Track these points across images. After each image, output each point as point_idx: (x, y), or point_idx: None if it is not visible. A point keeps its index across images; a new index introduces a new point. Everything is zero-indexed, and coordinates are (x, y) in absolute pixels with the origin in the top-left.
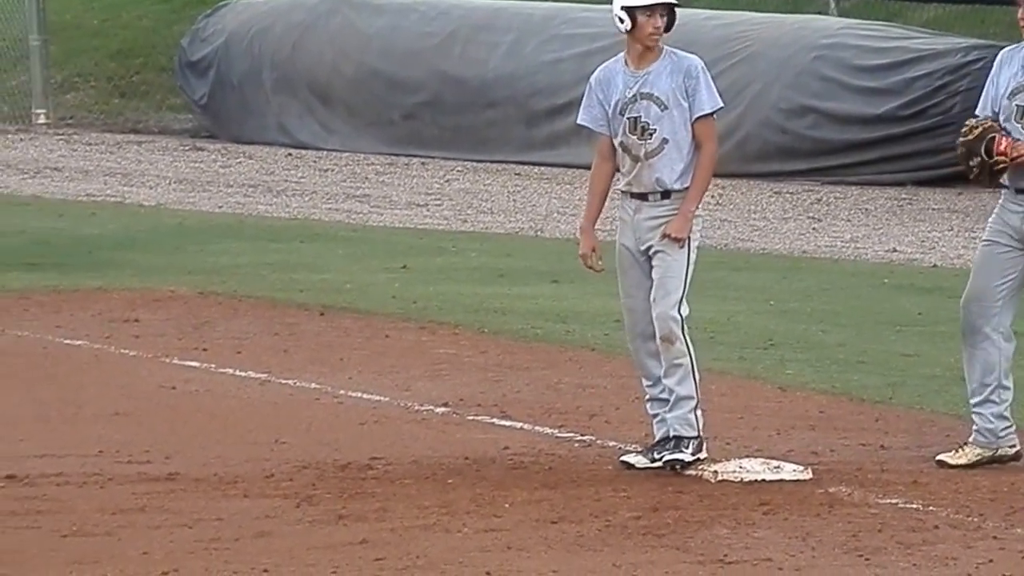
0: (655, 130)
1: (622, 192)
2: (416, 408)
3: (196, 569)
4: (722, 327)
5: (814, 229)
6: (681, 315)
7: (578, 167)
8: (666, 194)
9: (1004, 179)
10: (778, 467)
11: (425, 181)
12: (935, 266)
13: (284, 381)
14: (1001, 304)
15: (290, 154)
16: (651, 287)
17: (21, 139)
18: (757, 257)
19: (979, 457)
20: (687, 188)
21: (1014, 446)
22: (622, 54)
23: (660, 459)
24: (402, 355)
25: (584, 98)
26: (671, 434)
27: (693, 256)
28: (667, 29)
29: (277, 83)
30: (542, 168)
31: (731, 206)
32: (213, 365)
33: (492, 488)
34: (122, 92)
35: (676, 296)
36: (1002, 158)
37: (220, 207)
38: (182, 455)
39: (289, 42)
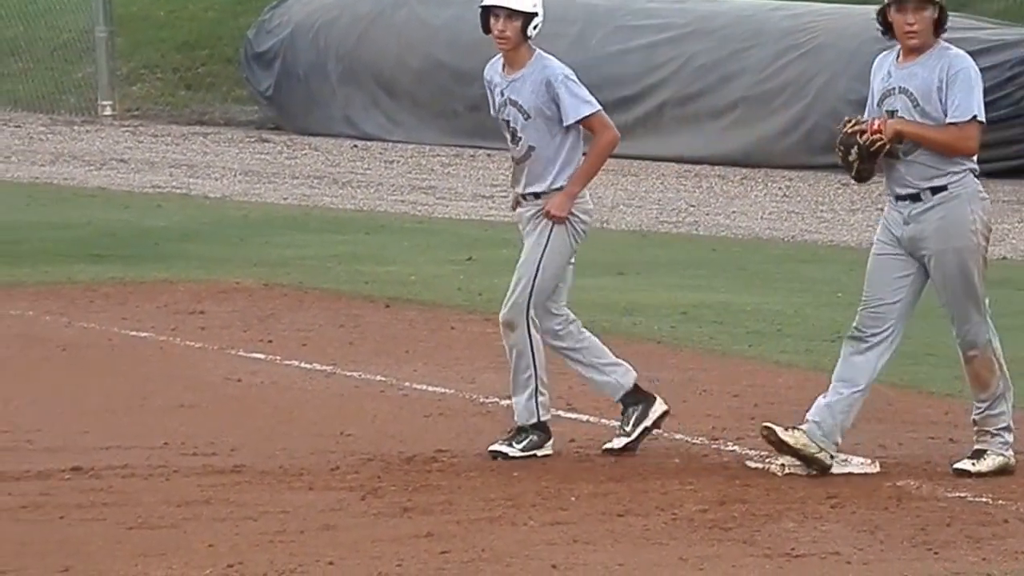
0: (521, 137)
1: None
2: (481, 400)
3: (261, 562)
4: (789, 319)
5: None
6: (529, 305)
7: (643, 158)
8: (536, 196)
9: (885, 173)
10: (846, 460)
11: (490, 173)
12: (1004, 258)
13: (349, 373)
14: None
15: (355, 146)
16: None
17: (87, 131)
18: (824, 249)
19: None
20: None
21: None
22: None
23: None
24: (467, 347)
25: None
26: (516, 423)
27: (563, 246)
28: (524, 31)
29: (343, 75)
30: (608, 159)
31: (798, 198)
32: (278, 357)
33: (558, 481)
34: (188, 84)
35: (524, 285)
36: (877, 136)
37: (286, 199)
38: (247, 447)
39: (355, 34)
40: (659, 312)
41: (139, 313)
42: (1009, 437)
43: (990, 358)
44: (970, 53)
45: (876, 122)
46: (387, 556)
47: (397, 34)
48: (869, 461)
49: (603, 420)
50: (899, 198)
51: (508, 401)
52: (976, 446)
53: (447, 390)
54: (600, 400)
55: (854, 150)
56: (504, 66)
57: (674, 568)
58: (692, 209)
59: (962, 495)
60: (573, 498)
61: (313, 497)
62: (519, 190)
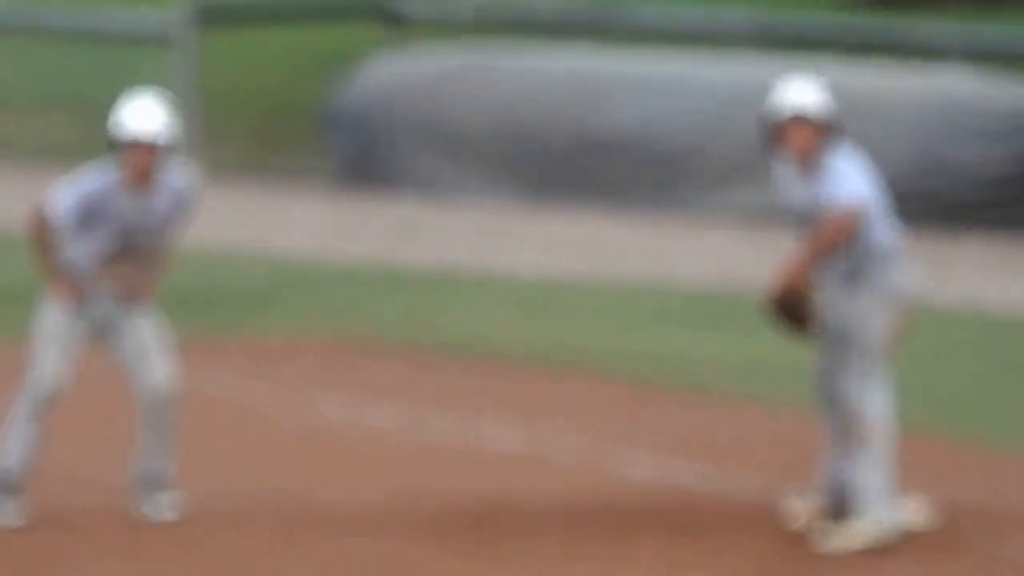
0: None
1: None
2: (549, 451)
3: None
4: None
5: (939, 279)
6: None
7: (707, 215)
8: None
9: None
10: (900, 509)
11: (558, 229)
12: None
13: (422, 425)
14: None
15: (427, 203)
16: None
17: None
18: None
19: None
20: None
21: None
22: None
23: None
24: (534, 398)
25: None
26: None
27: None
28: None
29: (416, 135)
30: (672, 217)
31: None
32: (354, 409)
33: (622, 528)
34: (267, 145)
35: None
36: (791, 292)
37: (361, 254)
38: (324, 496)
39: (427, 96)
40: (720, 364)
41: (217, 367)
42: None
43: (868, 419)
44: None
45: (776, 282)
46: None
47: (469, 96)
48: (924, 510)
49: (668, 470)
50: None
51: (575, 452)
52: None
53: (515, 440)
54: (664, 450)
55: (783, 321)
56: (128, 189)
57: None
58: (753, 263)
59: (1019, 543)
60: (636, 545)
61: (387, 545)
62: None
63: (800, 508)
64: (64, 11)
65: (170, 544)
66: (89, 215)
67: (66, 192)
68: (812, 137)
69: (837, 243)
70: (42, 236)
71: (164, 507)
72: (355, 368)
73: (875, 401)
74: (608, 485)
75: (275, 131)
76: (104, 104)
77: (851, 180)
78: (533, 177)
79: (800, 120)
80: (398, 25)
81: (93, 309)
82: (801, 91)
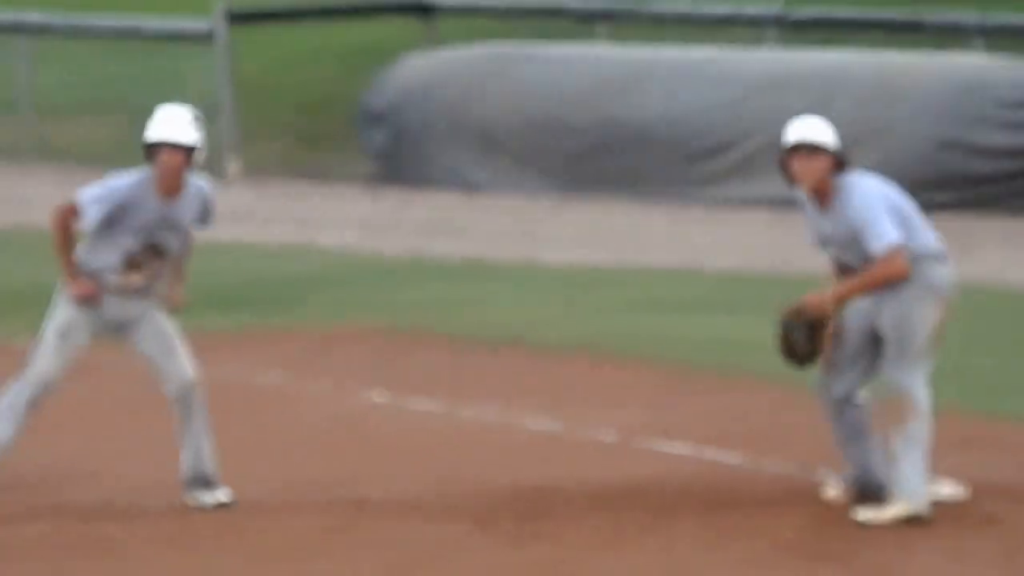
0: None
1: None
2: (586, 435)
3: None
4: None
5: (965, 258)
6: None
7: (734, 204)
8: None
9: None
10: (935, 487)
11: (590, 220)
12: None
13: (463, 412)
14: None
15: (463, 197)
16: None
17: (215, 188)
18: None
19: None
20: None
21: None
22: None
23: None
24: (572, 385)
25: None
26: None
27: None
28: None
29: (450, 131)
30: (700, 206)
31: None
32: (396, 398)
33: (661, 510)
34: (306, 143)
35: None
36: (818, 310)
37: (399, 249)
38: (367, 484)
39: (461, 92)
40: (753, 348)
41: (265, 359)
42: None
43: (911, 404)
44: None
45: (814, 297)
46: None
47: (500, 92)
48: (957, 487)
49: (703, 452)
50: None
51: (613, 436)
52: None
53: (555, 426)
54: (700, 433)
55: (796, 333)
56: (157, 193)
57: None
58: (782, 251)
59: None
60: (676, 526)
61: (430, 529)
62: None
63: (835, 486)
64: (105, 14)
65: (219, 533)
66: (116, 217)
67: (95, 193)
68: (820, 168)
69: (882, 284)
70: (64, 234)
71: (213, 497)
72: (396, 358)
73: (920, 389)
74: (646, 468)
75: (312, 128)
76: (146, 107)
77: (875, 209)
78: (564, 168)
79: (805, 149)
80: (431, 19)
81: (110, 309)
82: (805, 125)
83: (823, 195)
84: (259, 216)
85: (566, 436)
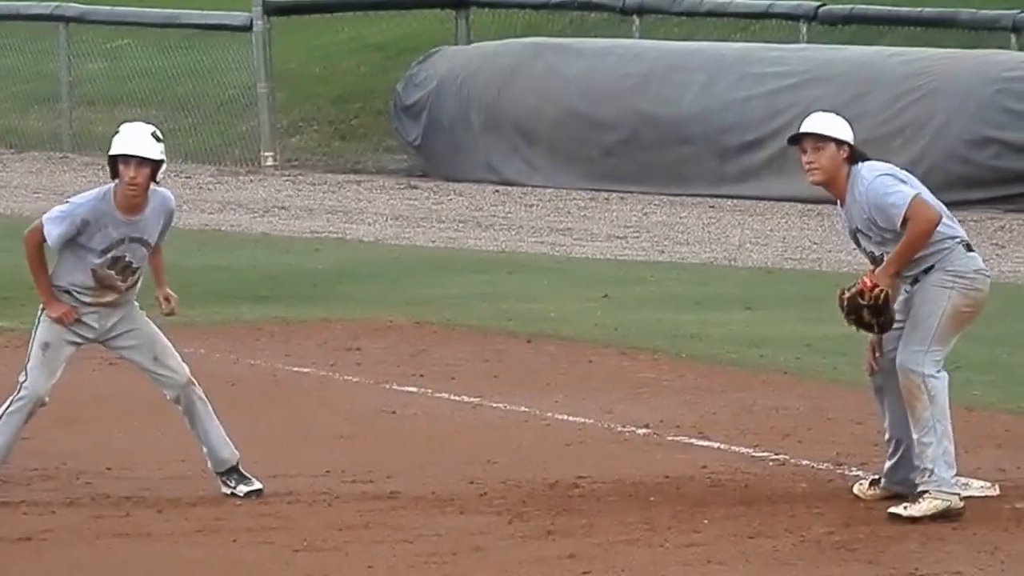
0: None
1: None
2: (619, 429)
3: None
4: None
5: (998, 255)
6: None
7: (768, 199)
8: None
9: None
10: (966, 484)
11: (624, 214)
12: None
13: (495, 405)
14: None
15: (497, 191)
16: None
17: (251, 180)
18: None
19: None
20: None
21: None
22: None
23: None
24: (604, 379)
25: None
26: None
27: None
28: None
29: (485, 124)
30: (734, 200)
31: None
32: (429, 390)
33: (691, 505)
34: (342, 135)
35: None
36: (877, 290)
37: (433, 241)
38: (402, 475)
39: (495, 85)
40: (785, 344)
41: (300, 350)
42: (947, 475)
43: (919, 386)
44: None
45: (867, 280)
46: None
47: (535, 85)
48: (989, 484)
49: (733, 447)
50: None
51: (643, 430)
52: (918, 487)
53: (586, 420)
54: (730, 428)
55: (865, 312)
56: (120, 209)
57: None
58: (815, 247)
59: None
60: (706, 521)
61: (463, 521)
62: None
63: (870, 481)
64: (145, 6)
65: (254, 523)
66: (81, 234)
67: (56, 214)
68: (828, 159)
69: (924, 240)
70: (38, 257)
71: (247, 485)
72: (429, 350)
73: (931, 376)
74: (678, 462)
75: (348, 120)
76: (184, 98)
77: (884, 183)
78: (598, 162)
79: (811, 139)
80: (466, 12)
81: (89, 322)
82: (815, 117)
83: (837, 188)
84: (295, 208)
85: (598, 429)
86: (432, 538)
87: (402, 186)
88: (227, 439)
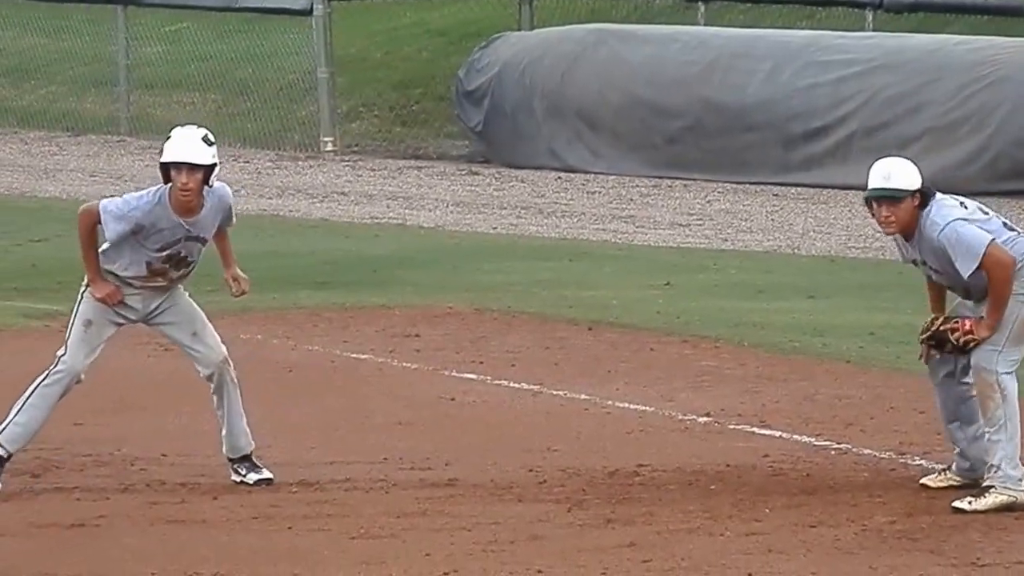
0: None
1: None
2: (680, 418)
3: (474, 570)
4: None
5: None
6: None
7: (832, 187)
8: None
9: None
10: None
11: (687, 202)
12: None
13: (555, 392)
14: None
15: (559, 177)
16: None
17: (310, 166)
18: None
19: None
20: None
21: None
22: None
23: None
24: (666, 367)
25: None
26: None
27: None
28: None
29: (547, 110)
30: (798, 188)
31: None
32: (489, 377)
33: (753, 494)
34: (403, 120)
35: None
36: (970, 336)
37: (494, 228)
38: (461, 462)
39: (559, 72)
40: (848, 333)
41: (359, 336)
42: (1014, 472)
43: (991, 384)
44: None
45: (968, 323)
46: (592, 565)
47: (598, 71)
48: None
49: (794, 436)
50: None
51: (705, 419)
52: (983, 482)
53: (647, 408)
54: (792, 417)
55: (949, 345)
56: (176, 212)
57: None
58: (878, 235)
59: None
60: (767, 510)
61: (522, 509)
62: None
63: (934, 471)
64: None
65: (310, 510)
66: (136, 234)
67: (115, 210)
68: (903, 214)
69: (1009, 285)
70: (90, 238)
71: (251, 473)
72: (489, 337)
73: (1005, 376)
74: (739, 451)
75: (409, 106)
76: (243, 83)
77: (956, 230)
78: (661, 149)
79: (887, 199)
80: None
81: (132, 304)
82: (886, 170)
83: (909, 232)
84: (354, 193)
85: (658, 417)
86: (490, 526)
87: (463, 172)
88: (247, 429)
